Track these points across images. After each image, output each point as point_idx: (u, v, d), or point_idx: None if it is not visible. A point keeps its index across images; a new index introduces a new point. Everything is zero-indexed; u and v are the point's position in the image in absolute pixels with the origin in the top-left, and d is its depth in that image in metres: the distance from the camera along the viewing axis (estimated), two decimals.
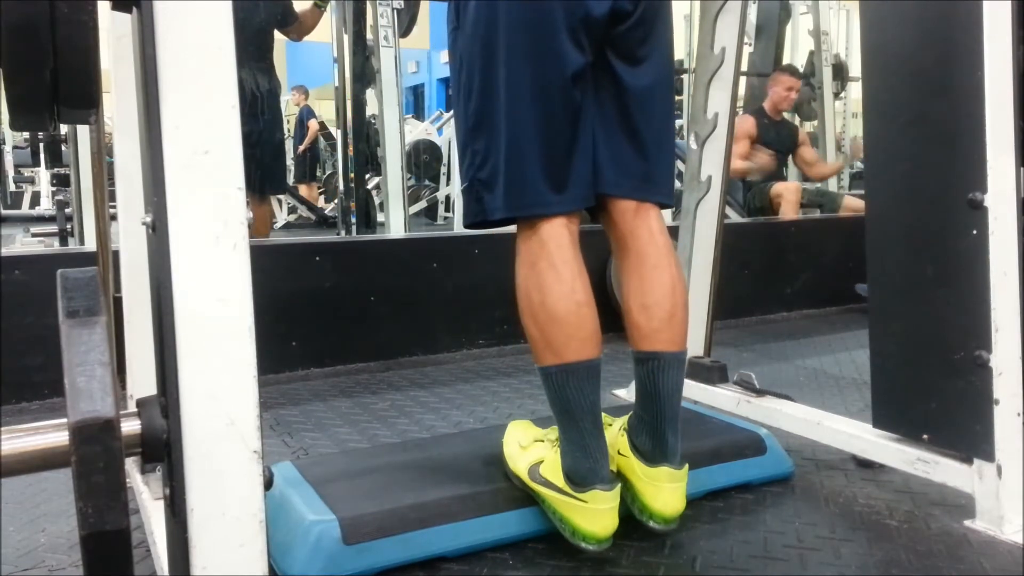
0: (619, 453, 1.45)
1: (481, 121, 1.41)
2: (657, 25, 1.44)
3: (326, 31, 4.59)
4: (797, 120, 5.51)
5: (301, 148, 8.83)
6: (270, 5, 3.85)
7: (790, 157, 5.03)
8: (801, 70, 5.87)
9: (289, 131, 8.99)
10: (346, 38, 4.49)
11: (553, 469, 1.39)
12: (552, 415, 1.40)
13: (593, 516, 1.34)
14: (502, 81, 1.37)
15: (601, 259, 3.06)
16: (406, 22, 4.46)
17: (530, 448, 1.47)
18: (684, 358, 1.46)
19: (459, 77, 1.45)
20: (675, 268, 1.47)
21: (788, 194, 4.43)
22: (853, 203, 4.53)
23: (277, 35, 4.05)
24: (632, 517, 1.46)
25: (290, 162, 8.44)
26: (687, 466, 1.42)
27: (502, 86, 1.37)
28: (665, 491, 1.39)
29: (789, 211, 4.35)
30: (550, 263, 1.37)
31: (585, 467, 1.34)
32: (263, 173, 3.99)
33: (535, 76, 1.36)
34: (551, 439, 1.46)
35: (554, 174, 1.39)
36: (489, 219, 1.44)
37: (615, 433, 1.48)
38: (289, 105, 9.23)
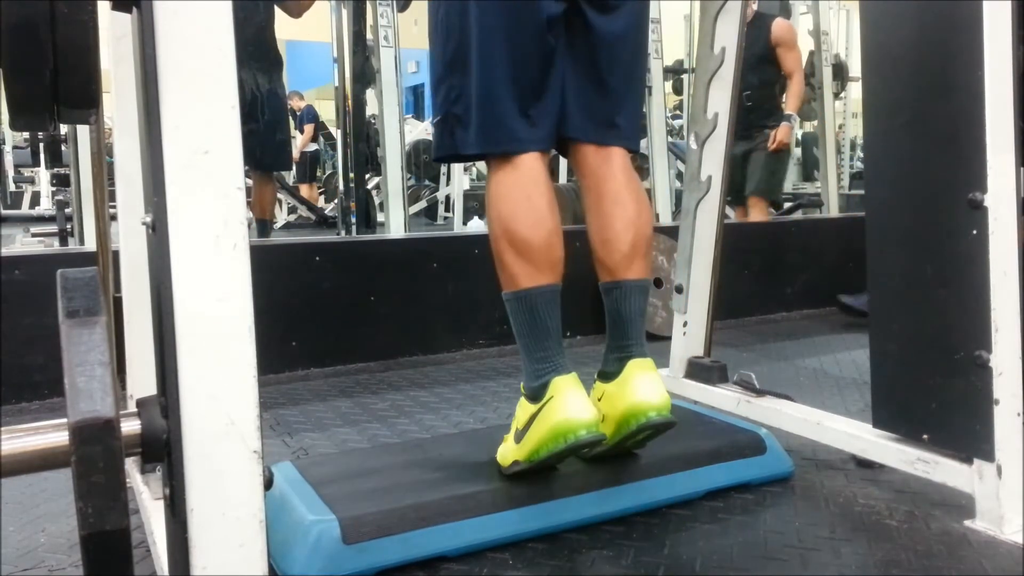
0: (598, 401, 1.49)
1: (457, 58, 1.47)
2: None
3: (326, 31, 4.59)
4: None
5: (297, 150, 8.83)
6: None
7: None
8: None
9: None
10: (346, 38, 4.49)
11: (523, 410, 1.44)
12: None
13: (561, 404, 1.36)
14: (479, 21, 1.43)
15: None
16: None
17: (508, 436, 1.51)
18: (646, 285, 1.54)
19: (437, 14, 1.51)
20: (636, 203, 1.53)
21: (753, 213, 4.26)
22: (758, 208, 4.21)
23: (277, 35, 4.05)
24: (632, 517, 1.46)
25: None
26: (652, 361, 1.47)
27: (478, 26, 1.43)
28: (639, 382, 1.44)
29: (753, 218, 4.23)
30: (525, 194, 1.45)
31: (544, 371, 1.40)
32: (265, 148, 3.99)
33: (511, 19, 1.42)
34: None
35: (527, 113, 1.45)
36: (460, 153, 1.51)
37: (594, 401, 1.50)
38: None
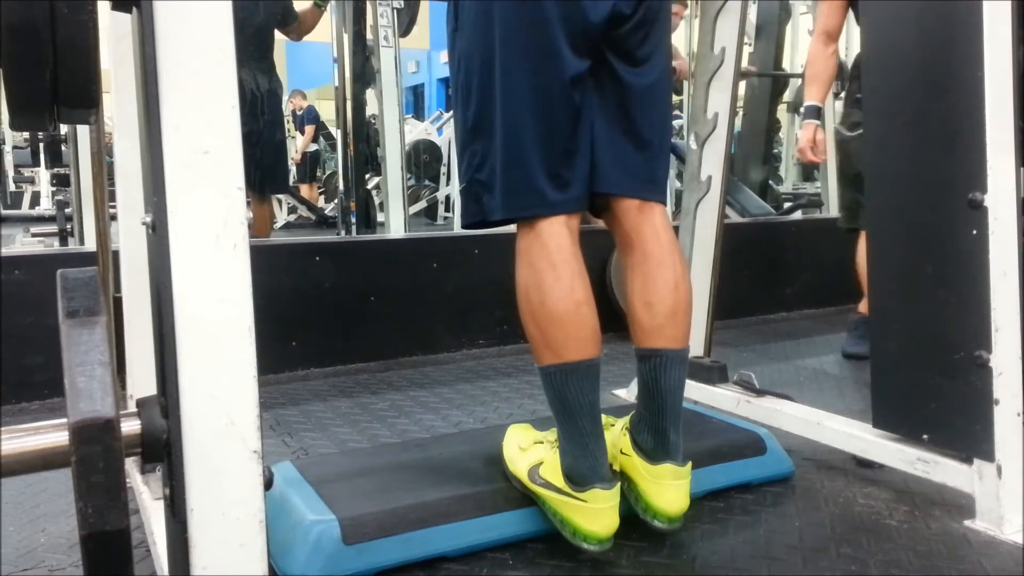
0: (621, 452, 1.45)
1: (480, 122, 1.42)
2: (656, 25, 1.44)
3: (326, 31, 4.58)
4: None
5: (298, 152, 8.83)
6: (270, 5, 3.85)
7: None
8: (801, 70, 5.85)
9: (290, 132, 8.99)
10: (346, 38, 4.48)
11: (552, 470, 1.39)
12: (551, 415, 1.41)
13: (593, 515, 1.33)
14: (501, 84, 1.38)
15: (601, 259, 3.06)
16: (406, 22, 4.45)
17: (530, 450, 1.47)
18: (686, 355, 1.47)
19: (458, 78, 1.46)
20: (679, 266, 1.47)
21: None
22: None
23: (277, 35, 4.05)
24: (632, 518, 1.46)
25: (291, 165, 8.43)
26: (690, 464, 1.42)
27: (501, 88, 1.38)
28: (669, 489, 1.39)
29: None
30: (550, 263, 1.37)
31: (585, 466, 1.34)
32: (264, 172, 3.98)
33: (534, 79, 1.36)
34: (550, 440, 1.46)
35: (555, 175, 1.39)
36: (488, 220, 1.45)
37: (617, 433, 1.48)
38: (288, 108, 9.22)
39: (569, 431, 1.36)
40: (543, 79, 1.36)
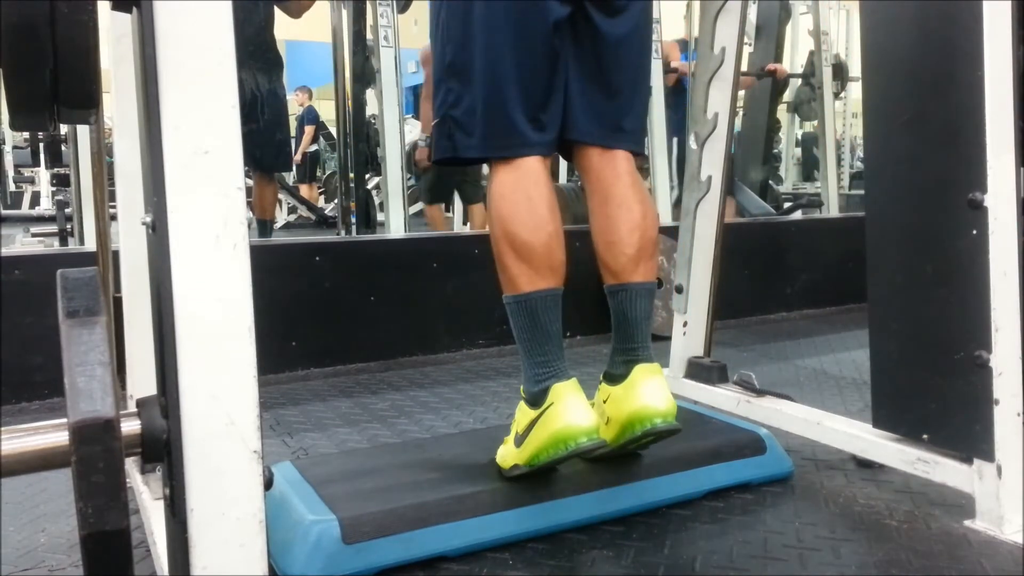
0: (604, 403, 1.49)
1: (459, 61, 1.46)
2: None
3: (326, 31, 4.59)
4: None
5: (298, 152, 8.82)
6: None
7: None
8: (801, 70, 5.87)
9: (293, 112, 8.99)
10: (346, 38, 4.49)
11: (523, 415, 1.43)
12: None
13: (562, 411, 1.36)
14: (483, 26, 1.42)
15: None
16: None
17: (508, 439, 1.50)
18: (652, 287, 1.53)
19: (438, 16, 1.50)
20: (641, 204, 1.53)
21: None
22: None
23: (277, 35, 4.06)
24: (632, 516, 1.46)
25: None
26: (658, 365, 1.48)
27: (483, 30, 1.42)
28: (646, 386, 1.43)
29: None
30: (527, 197, 1.44)
31: (544, 375, 1.39)
32: (265, 149, 4.00)
33: (518, 24, 1.41)
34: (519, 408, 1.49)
35: (533, 118, 1.45)
36: (460, 157, 1.50)
37: (600, 403, 1.51)
38: (292, 104, 9.22)
39: (534, 354, 1.42)
40: (526, 23, 1.41)
